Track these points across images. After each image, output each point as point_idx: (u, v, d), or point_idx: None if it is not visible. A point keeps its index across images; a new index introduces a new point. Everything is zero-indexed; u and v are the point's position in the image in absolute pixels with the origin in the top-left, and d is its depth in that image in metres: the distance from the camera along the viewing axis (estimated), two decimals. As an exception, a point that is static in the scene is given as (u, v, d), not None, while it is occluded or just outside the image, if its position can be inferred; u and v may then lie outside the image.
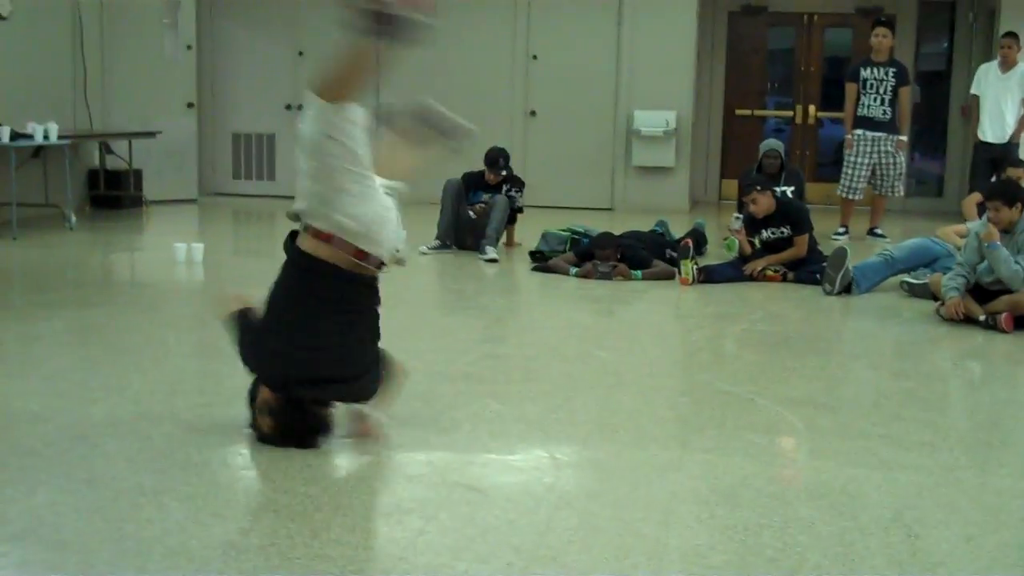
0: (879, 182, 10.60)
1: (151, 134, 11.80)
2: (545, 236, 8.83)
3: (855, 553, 3.14)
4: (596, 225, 9.23)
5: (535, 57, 12.98)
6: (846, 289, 7.58)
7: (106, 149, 11.89)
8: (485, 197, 9.19)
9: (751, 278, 8.03)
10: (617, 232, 8.51)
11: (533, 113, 13.09)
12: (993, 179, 9.11)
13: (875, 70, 10.45)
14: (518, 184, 9.38)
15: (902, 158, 10.57)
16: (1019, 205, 6.68)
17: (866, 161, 10.50)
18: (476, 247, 8.88)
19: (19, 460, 3.76)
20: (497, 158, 9.22)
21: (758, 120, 14.19)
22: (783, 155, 9.82)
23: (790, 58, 14.31)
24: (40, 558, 2.98)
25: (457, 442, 4.11)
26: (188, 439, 4.05)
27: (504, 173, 9.26)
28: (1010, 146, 10.42)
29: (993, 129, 10.57)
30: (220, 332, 5.69)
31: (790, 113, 14.13)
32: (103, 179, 11.92)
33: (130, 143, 11.79)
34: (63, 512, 3.30)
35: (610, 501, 3.51)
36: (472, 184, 9.28)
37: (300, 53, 13.32)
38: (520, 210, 9.40)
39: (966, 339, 6.39)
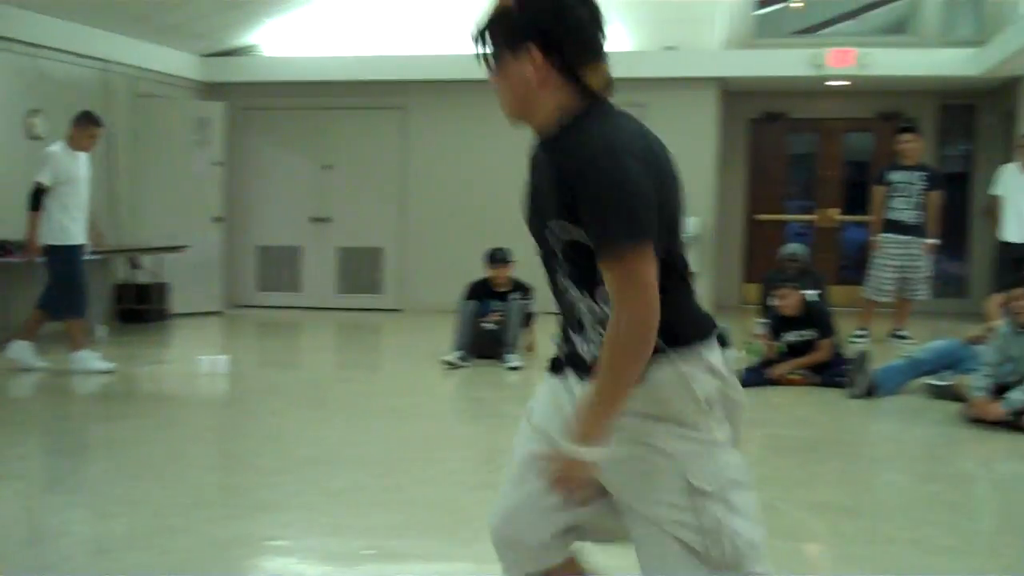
0: (905, 285, 10.60)
1: (178, 248, 11.95)
2: (566, 342, 8.82)
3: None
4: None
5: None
6: (869, 392, 7.54)
7: (133, 264, 12.04)
8: (497, 306, 9.20)
9: (775, 382, 8.00)
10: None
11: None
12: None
13: (905, 174, 10.50)
14: (526, 291, 9.35)
15: (928, 261, 10.58)
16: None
17: (894, 264, 10.50)
18: (497, 356, 8.89)
19: (39, 575, 3.76)
20: (494, 252, 9.27)
21: (779, 224, 14.25)
22: (804, 259, 9.83)
23: (811, 162, 14.41)
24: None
25: (478, 554, 4.08)
26: (209, 552, 4.04)
27: (508, 267, 9.27)
28: (1033, 246, 10.41)
29: (1016, 229, 10.57)
30: (244, 444, 5.70)
31: (812, 217, 14.18)
32: (130, 293, 12.04)
33: (158, 257, 11.93)
34: (80, 628, 3.29)
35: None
36: (480, 294, 9.29)
37: (326, 167, 13.52)
38: (531, 315, 9.37)
39: (992, 441, 6.33)
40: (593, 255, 2.21)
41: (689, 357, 2.32)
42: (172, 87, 12.93)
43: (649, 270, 2.16)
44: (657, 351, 2.23)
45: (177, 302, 12.23)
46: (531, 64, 2.29)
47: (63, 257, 8.41)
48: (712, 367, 2.37)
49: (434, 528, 4.41)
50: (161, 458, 5.76)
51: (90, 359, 8.50)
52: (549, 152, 2.35)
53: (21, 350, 8.50)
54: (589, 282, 2.30)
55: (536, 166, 2.46)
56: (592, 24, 2.34)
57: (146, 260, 12.04)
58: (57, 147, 8.46)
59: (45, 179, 8.31)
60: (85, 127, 8.55)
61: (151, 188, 12.33)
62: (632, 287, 2.17)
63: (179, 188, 12.45)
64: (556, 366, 2.58)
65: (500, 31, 2.33)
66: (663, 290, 2.20)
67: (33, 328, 8.57)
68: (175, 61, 12.83)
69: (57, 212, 8.37)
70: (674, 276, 2.32)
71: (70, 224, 8.43)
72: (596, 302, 2.33)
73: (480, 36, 2.36)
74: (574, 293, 2.38)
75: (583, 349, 2.41)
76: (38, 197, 8.32)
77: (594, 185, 2.18)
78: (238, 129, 13.55)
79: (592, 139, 2.25)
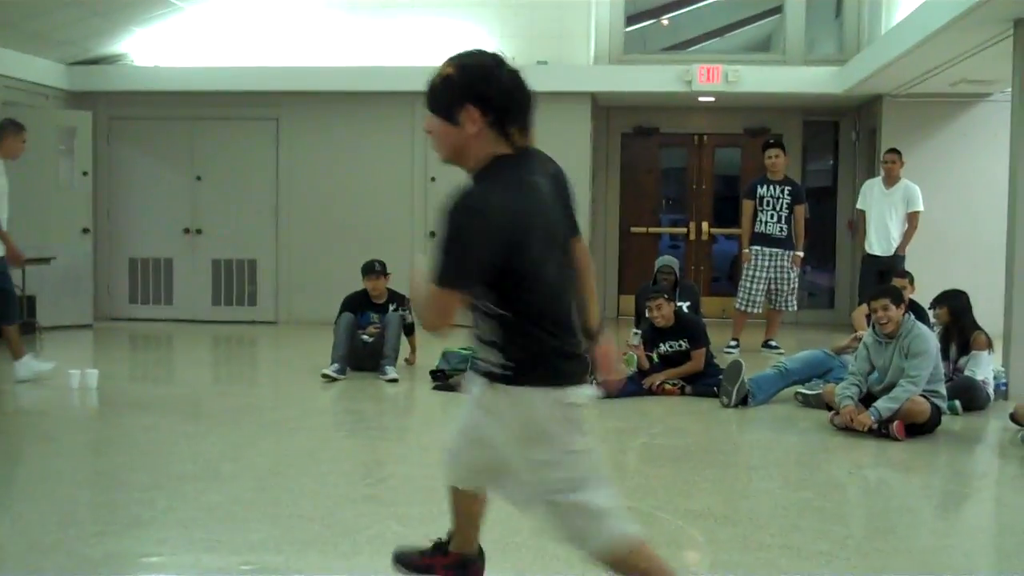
0: (774, 296, 10.86)
1: (46, 260, 11.64)
2: (446, 355, 8.84)
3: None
4: (496, 343, 9.25)
5: (433, 179, 13.13)
6: (743, 401, 7.71)
7: (-2, 276, 11.68)
8: (374, 317, 9.18)
9: (650, 392, 8.13)
10: (517, 350, 8.54)
11: (433, 234, 13.18)
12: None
13: (772, 188, 10.77)
14: (403, 301, 9.34)
15: (796, 273, 10.86)
16: (903, 306, 6.93)
17: (763, 275, 10.77)
18: (376, 368, 8.86)
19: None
20: (372, 263, 9.23)
21: (653, 237, 14.48)
22: (677, 271, 10.01)
23: (682, 176, 14.68)
24: None
25: (358, 566, 4.07)
26: (81, 571, 3.95)
27: (385, 278, 9.24)
28: (896, 258, 10.77)
29: (879, 242, 10.93)
30: (116, 460, 5.59)
31: (684, 230, 14.44)
32: (-5, 306, 11.68)
33: (23, 270, 11.60)
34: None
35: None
36: (359, 305, 9.24)
37: (198, 178, 13.32)
38: (412, 325, 9.36)
39: (860, 448, 6.53)
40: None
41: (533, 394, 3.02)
42: (38, 96, 12.61)
43: (448, 304, 2.85)
44: (505, 381, 3.00)
45: (45, 315, 11.91)
46: (470, 120, 2.92)
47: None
48: (557, 407, 3.08)
49: (313, 542, 4.38)
50: (30, 475, 5.61)
51: (32, 364, 8.59)
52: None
53: (28, 367, 8.58)
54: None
55: None
56: (517, 91, 3.00)
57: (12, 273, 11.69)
58: None
59: None
60: (18, 133, 8.55)
61: (16, 198, 11.94)
62: (434, 308, 2.88)
63: (46, 198, 12.14)
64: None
65: (444, 93, 2.94)
66: (513, 327, 2.96)
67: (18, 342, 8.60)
68: (40, 69, 12.51)
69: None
70: (528, 321, 2.96)
71: None
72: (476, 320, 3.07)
73: (428, 96, 2.97)
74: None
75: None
76: None
77: (442, 230, 2.81)
78: (106, 139, 13.27)
79: (467, 194, 2.86)
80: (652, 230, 14.49)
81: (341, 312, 9.15)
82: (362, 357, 9.05)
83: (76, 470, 6.07)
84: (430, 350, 9.28)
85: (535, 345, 2.97)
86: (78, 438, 7.02)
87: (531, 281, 2.92)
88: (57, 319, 12.07)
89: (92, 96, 13.09)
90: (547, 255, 2.97)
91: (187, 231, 13.34)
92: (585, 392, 3.11)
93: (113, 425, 7.36)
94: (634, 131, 14.35)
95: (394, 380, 8.66)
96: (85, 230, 12.54)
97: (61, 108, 12.92)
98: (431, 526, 4.62)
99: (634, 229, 14.37)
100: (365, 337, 9.09)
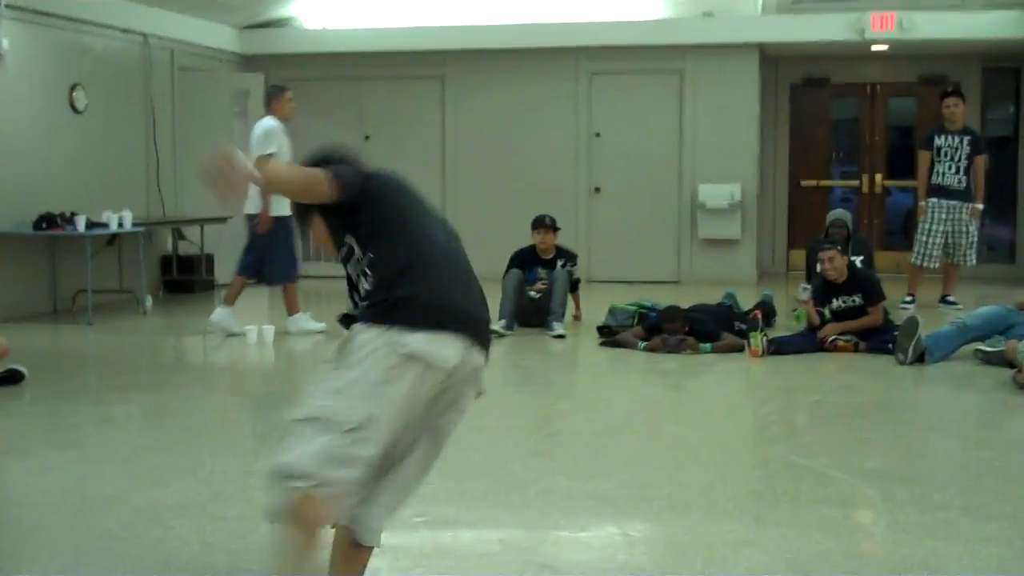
0: (952, 250, 10.49)
1: (222, 219, 12.00)
2: (612, 311, 8.82)
3: (938, 628, 3.07)
4: (663, 299, 9.21)
5: (598, 135, 13.07)
6: (919, 358, 7.48)
7: (179, 235, 12.13)
8: (541, 273, 9.19)
9: (822, 347, 7.95)
10: (684, 305, 8.48)
11: (597, 190, 13.14)
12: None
13: (950, 138, 10.38)
14: (571, 257, 9.36)
15: (975, 226, 10.47)
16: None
17: (941, 229, 10.40)
18: (542, 324, 8.88)
19: (95, 543, 3.80)
20: (543, 217, 9.25)
21: (824, 190, 14.14)
22: (850, 225, 9.75)
23: (855, 128, 14.27)
24: (117, 640, 3.00)
25: (528, 519, 4.09)
26: (261, 519, 4.07)
27: (554, 233, 9.25)
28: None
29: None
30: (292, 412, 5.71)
31: (856, 183, 14.06)
32: (176, 264, 12.15)
33: (202, 228, 12.01)
34: (139, 594, 3.32)
35: (684, 577, 3.47)
36: (526, 261, 9.27)
37: (366, 137, 13.53)
38: (578, 281, 9.39)
39: (1045, 407, 6.27)
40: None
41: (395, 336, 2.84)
42: (212, 60, 12.97)
43: (320, 185, 2.96)
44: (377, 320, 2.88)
45: (223, 272, 12.29)
46: None
47: (283, 228, 8.78)
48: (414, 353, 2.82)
49: (484, 495, 4.42)
50: (212, 427, 5.81)
51: (305, 320, 9.02)
52: None
53: (223, 316, 8.86)
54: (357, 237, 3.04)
55: None
56: None
57: (191, 232, 12.11)
58: (272, 121, 8.86)
59: (272, 149, 8.69)
60: (282, 95, 9.10)
61: (193, 160, 12.36)
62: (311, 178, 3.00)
63: (222, 159, 12.46)
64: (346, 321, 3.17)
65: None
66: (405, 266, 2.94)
67: (235, 294, 8.98)
68: (215, 34, 12.86)
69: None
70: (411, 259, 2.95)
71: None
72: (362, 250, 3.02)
73: None
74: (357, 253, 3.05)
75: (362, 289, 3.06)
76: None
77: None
78: (279, 100, 13.55)
79: None
80: (823, 183, 14.14)
81: (509, 268, 9.20)
82: (529, 313, 9.09)
83: (255, 422, 6.27)
84: (597, 307, 9.27)
85: None
86: (257, 391, 7.25)
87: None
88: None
89: (263, 59, 13.40)
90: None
91: (355, 190, 13.56)
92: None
93: (288, 379, 7.58)
94: (804, 82, 13.99)
95: (561, 336, 8.67)
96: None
97: (234, 71, 13.26)
98: (598, 481, 4.63)
99: (804, 183, 14.05)
100: (532, 294, 9.13)
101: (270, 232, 8.70)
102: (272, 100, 9.08)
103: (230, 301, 8.93)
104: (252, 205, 8.70)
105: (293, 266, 9.18)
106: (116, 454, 5.23)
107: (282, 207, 8.50)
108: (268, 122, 8.87)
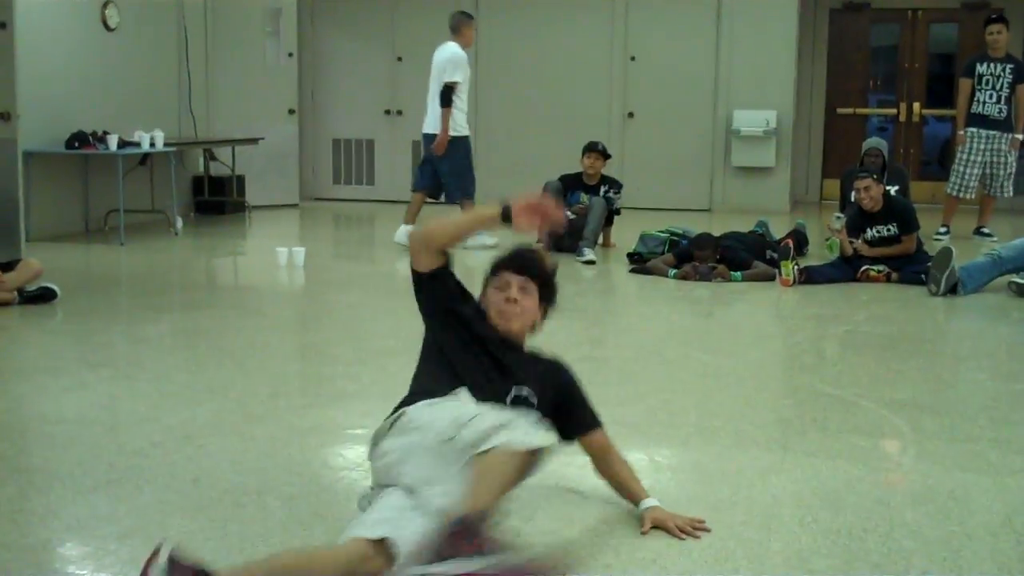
0: (989, 181, 10.37)
1: (254, 140, 12.00)
2: (643, 238, 8.78)
3: (963, 559, 3.06)
4: (695, 226, 9.16)
5: (633, 58, 12.93)
6: (952, 290, 7.42)
7: (210, 156, 12.13)
8: (583, 198, 9.17)
9: (855, 277, 7.88)
10: (716, 233, 8.44)
11: (631, 115, 13.03)
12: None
13: (992, 66, 10.20)
14: (616, 185, 9.37)
15: (1014, 157, 10.32)
16: None
17: (979, 159, 10.27)
18: (573, 249, 8.86)
19: (127, 460, 3.84)
20: (596, 143, 9.24)
21: (861, 118, 13.96)
22: (886, 154, 9.63)
23: (894, 55, 14.04)
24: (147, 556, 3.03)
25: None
26: (290, 440, 4.11)
27: (604, 161, 9.25)
28: None
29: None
30: (321, 336, 5.79)
31: (893, 111, 13.87)
32: (207, 185, 12.16)
33: (233, 150, 12.00)
34: (169, 511, 3.36)
35: (710, 504, 3.47)
36: (570, 185, 9.27)
37: (399, 59, 13.43)
38: (617, 212, 9.39)
39: (1079, 340, 6.21)
40: None
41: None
42: (245, -22, 12.86)
43: None
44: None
45: (254, 195, 12.32)
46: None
47: (461, 148, 9.33)
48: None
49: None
50: (242, 348, 5.84)
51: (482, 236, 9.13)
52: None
53: (403, 234, 9.10)
54: None
55: None
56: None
57: (222, 153, 12.11)
58: (460, 49, 9.24)
59: (458, 78, 9.14)
60: (470, 23, 9.52)
61: (225, 81, 12.34)
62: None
63: (253, 80, 12.45)
64: None
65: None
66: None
67: (415, 212, 9.37)
68: (248, -48, 12.74)
69: (458, 107, 9.25)
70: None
71: (461, 117, 9.33)
72: None
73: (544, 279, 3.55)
74: None
75: None
76: (449, 95, 9.10)
77: None
78: (311, 20, 13.48)
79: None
80: (860, 111, 13.97)
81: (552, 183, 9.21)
82: (562, 235, 9.07)
83: (285, 344, 6.30)
84: (628, 234, 9.23)
85: None
86: (286, 313, 7.28)
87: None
88: (264, 199, 12.47)
89: (297, -22, 13.28)
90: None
91: (388, 112, 13.53)
92: None
93: (318, 301, 7.60)
94: (843, 7, 13.77)
95: (591, 262, 8.65)
96: (291, 111, 12.84)
97: (267, -9, 13.17)
98: (627, 408, 4.63)
99: (840, 110, 13.88)
100: (569, 214, 9.11)
101: (447, 152, 9.18)
102: (461, 27, 9.40)
103: (410, 219, 9.23)
104: (429, 125, 9.30)
105: (471, 183, 9.48)
106: (148, 373, 5.27)
107: (460, 128, 9.17)
108: (456, 49, 9.23)
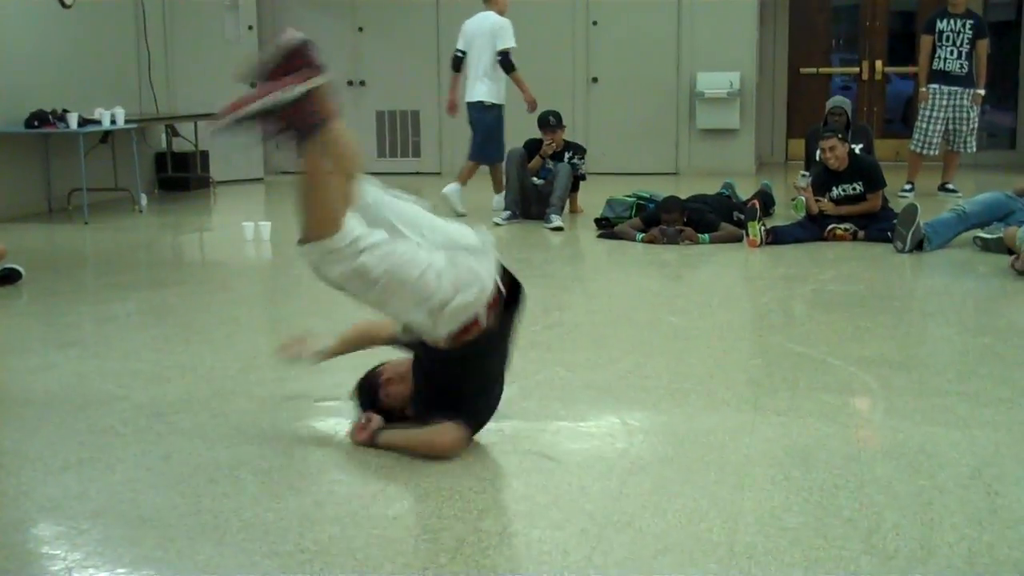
0: (952, 137, 10.41)
1: (216, 115, 11.88)
2: (610, 202, 8.79)
3: (934, 512, 3.09)
4: (661, 190, 9.17)
5: (595, 23, 12.89)
6: (918, 246, 7.46)
7: (172, 132, 12.02)
8: (549, 165, 9.17)
9: (821, 236, 7.92)
10: (683, 196, 8.44)
11: (595, 80, 13.00)
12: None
13: (952, 22, 10.24)
14: (580, 151, 9.37)
15: (976, 113, 10.37)
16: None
17: (942, 115, 10.31)
18: (541, 216, 8.86)
19: (97, 438, 3.82)
20: (547, 117, 9.21)
21: (824, 78, 13.99)
22: (849, 112, 9.65)
23: (855, 14, 14.06)
24: (120, 534, 3.02)
25: (528, 410, 4.11)
26: (261, 414, 4.09)
27: (562, 130, 9.24)
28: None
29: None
30: (289, 309, 5.76)
31: (856, 70, 13.90)
32: (171, 162, 12.06)
33: (196, 125, 11.90)
34: (141, 489, 3.35)
35: (683, 465, 3.49)
36: (534, 151, 9.25)
37: (360, 29, 13.35)
38: (583, 177, 9.40)
39: (1044, 293, 6.27)
40: None
41: None
42: (203, -49, 12.73)
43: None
44: None
45: (218, 170, 12.23)
46: None
47: (496, 115, 9.55)
48: None
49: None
50: (211, 323, 5.81)
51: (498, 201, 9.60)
52: None
53: (454, 192, 9.43)
54: None
55: None
56: None
57: (184, 128, 12.01)
58: (497, 16, 9.50)
59: (512, 43, 9.42)
60: None
61: (185, 56, 12.23)
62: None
63: (213, 55, 12.33)
64: None
65: None
66: None
67: (467, 175, 9.67)
68: (204, -77, 12.60)
69: (498, 76, 9.49)
70: None
71: (501, 85, 9.56)
72: None
73: None
74: None
75: None
76: (509, 60, 9.39)
77: None
78: (270, -8, 13.35)
79: None
80: (823, 70, 14.00)
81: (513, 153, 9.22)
82: (531, 202, 9.10)
83: (254, 318, 6.27)
84: (595, 199, 9.24)
85: None
86: (254, 288, 7.25)
87: None
88: (229, 174, 12.40)
89: (254, -50, 13.16)
90: None
91: (350, 83, 13.44)
92: None
93: (286, 275, 7.56)
94: (804, -34, 13.77)
95: (559, 228, 8.65)
96: (252, 84, 12.69)
97: (225, -37, 13.02)
98: (598, 372, 4.64)
99: (803, 70, 13.91)
100: (536, 180, 9.12)
101: (482, 115, 9.46)
102: None
103: (463, 180, 9.60)
104: (474, 93, 9.51)
105: (496, 151, 9.60)
106: (116, 352, 5.24)
107: (498, 96, 9.47)
108: (498, 17, 9.47)
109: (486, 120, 9.48)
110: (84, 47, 10.64)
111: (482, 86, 9.43)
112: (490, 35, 9.34)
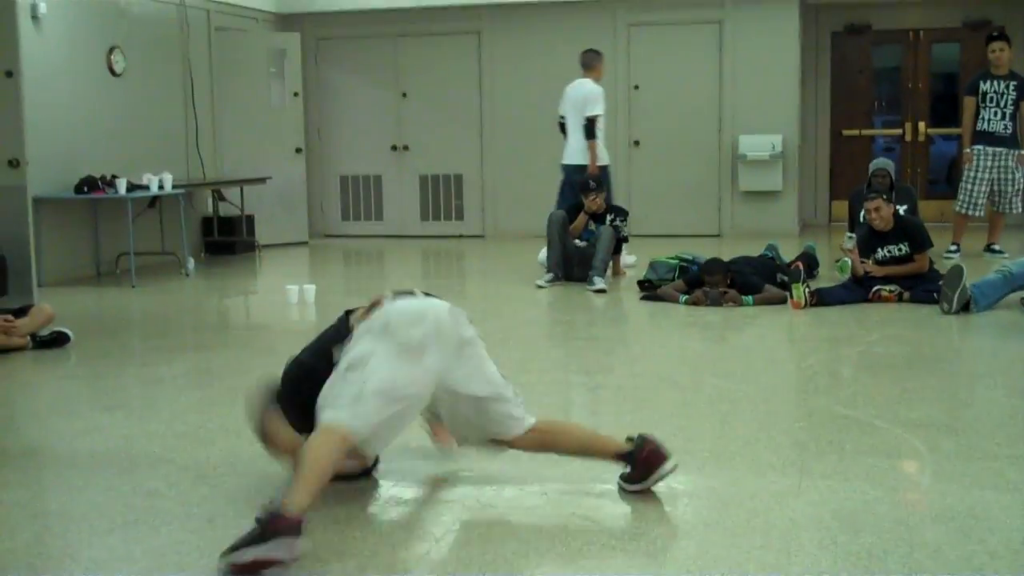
0: (997, 198, 10.37)
1: (261, 180, 12.05)
2: (653, 264, 8.78)
3: (986, 577, 3.04)
4: (704, 252, 9.15)
5: (637, 87, 12.97)
6: (964, 307, 7.40)
7: (219, 196, 12.18)
8: (592, 227, 9.20)
9: (866, 298, 7.86)
10: (726, 258, 8.43)
11: (637, 143, 13.06)
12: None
13: (995, 83, 10.23)
14: (622, 213, 9.40)
15: (1021, 173, 10.32)
16: None
17: (986, 176, 10.28)
18: (584, 278, 8.88)
19: (143, 500, 3.84)
20: (587, 181, 9.26)
21: (866, 139, 13.97)
22: (893, 174, 9.63)
23: (896, 75, 14.08)
24: (165, 597, 3.03)
25: (571, 474, 4.09)
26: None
27: (601, 194, 9.27)
28: None
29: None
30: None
31: (899, 131, 13.88)
32: (217, 226, 12.22)
33: (242, 190, 12.06)
34: (186, 551, 3.35)
35: (728, 529, 3.45)
36: (576, 215, 9.29)
37: (403, 95, 13.50)
38: (626, 239, 9.41)
39: (1094, 354, 6.18)
40: None
41: None
42: (248, 19, 12.97)
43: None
44: None
45: (263, 234, 12.37)
46: None
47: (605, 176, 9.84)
48: None
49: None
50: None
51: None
52: None
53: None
54: None
55: None
56: None
57: (231, 193, 12.16)
58: (592, 83, 9.94)
59: (599, 111, 9.82)
60: (602, 59, 10.28)
61: (231, 121, 12.42)
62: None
63: (259, 120, 12.53)
64: None
65: None
66: None
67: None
68: (250, -7, 12.86)
69: (602, 140, 9.93)
70: None
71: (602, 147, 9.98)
72: None
73: None
74: None
75: None
76: (593, 127, 9.76)
77: None
78: (315, 59, 13.57)
79: None
80: (865, 132, 13.99)
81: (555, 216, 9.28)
82: (573, 264, 9.12)
83: (297, 381, 6.29)
84: (638, 261, 9.23)
85: None
86: (298, 350, 7.26)
87: None
88: (274, 237, 12.53)
89: (299, 17, 13.40)
90: None
91: (395, 148, 13.59)
92: None
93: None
94: (845, 29, 13.81)
95: (602, 291, 8.66)
96: (298, 150, 12.90)
97: (270, 31, 13.26)
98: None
99: (846, 132, 13.91)
100: (578, 242, 9.16)
101: (575, 178, 9.73)
102: (594, 63, 10.11)
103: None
104: (570, 156, 9.96)
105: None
106: (161, 414, 5.27)
107: (603, 158, 9.89)
108: (593, 85, 9.91)
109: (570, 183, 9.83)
110: (133, 114, 10.83)
111: (579, 148, 9.85)
112: (582, 101, 9.80)
